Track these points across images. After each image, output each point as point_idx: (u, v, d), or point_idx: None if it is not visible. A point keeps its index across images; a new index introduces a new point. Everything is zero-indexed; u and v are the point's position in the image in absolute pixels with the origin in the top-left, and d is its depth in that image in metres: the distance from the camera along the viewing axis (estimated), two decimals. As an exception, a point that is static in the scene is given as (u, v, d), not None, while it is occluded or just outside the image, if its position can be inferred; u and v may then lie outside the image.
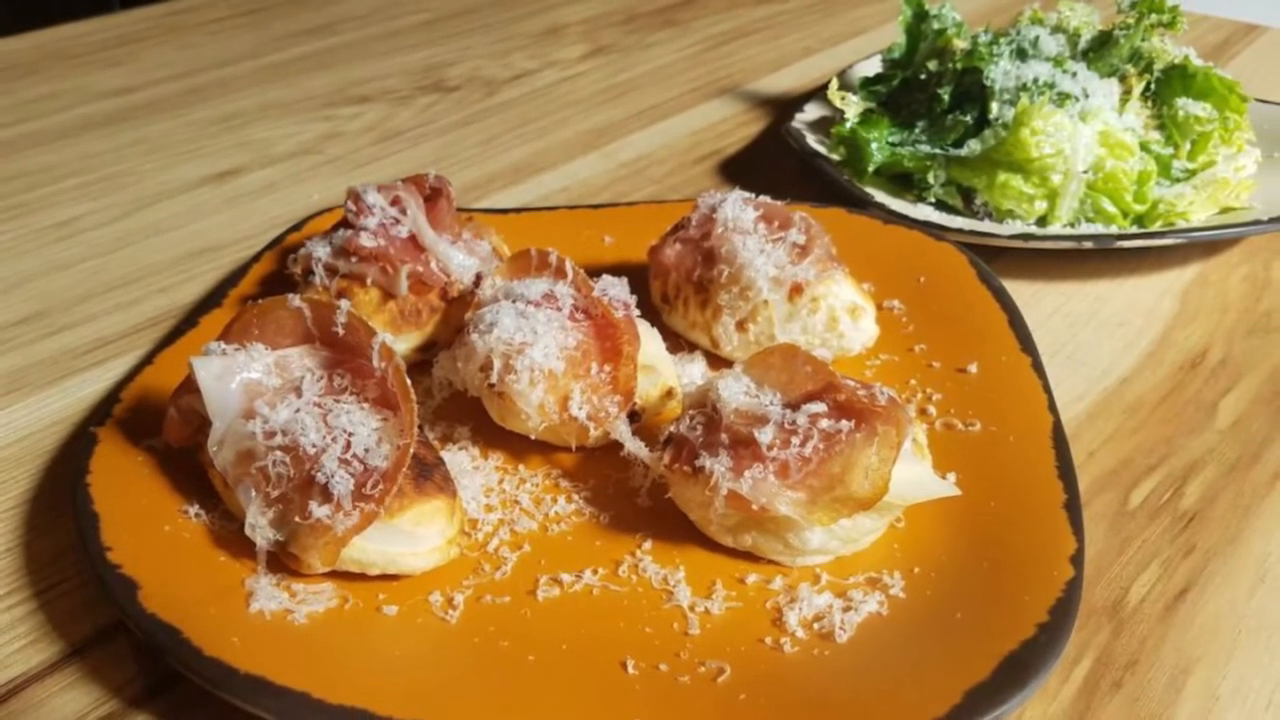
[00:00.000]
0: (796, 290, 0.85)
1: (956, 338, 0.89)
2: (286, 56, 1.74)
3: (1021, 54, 1.17)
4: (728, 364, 0.86)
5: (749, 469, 0.66)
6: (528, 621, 0.66)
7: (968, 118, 1.14)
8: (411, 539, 0.67)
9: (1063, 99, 1.09)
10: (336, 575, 0.68)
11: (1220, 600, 0.69)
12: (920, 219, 1.06)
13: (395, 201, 0.91)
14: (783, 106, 1.48)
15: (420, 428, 0.69)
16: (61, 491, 0.80)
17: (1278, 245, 1.09)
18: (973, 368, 0.85)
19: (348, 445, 0.67)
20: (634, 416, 0.79)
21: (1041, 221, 1.08)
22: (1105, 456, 0.81)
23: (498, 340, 0.76)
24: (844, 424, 0.66)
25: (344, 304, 0.74)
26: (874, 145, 1.16)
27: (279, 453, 0.67)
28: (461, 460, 0.79)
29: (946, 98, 1.17)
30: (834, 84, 1.29)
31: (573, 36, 1.82)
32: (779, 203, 0.93)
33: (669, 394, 0.81)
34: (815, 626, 0.64)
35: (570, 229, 1.07)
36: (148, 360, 0.87)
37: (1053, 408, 0.78)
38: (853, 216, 1.05)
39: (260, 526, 0.67)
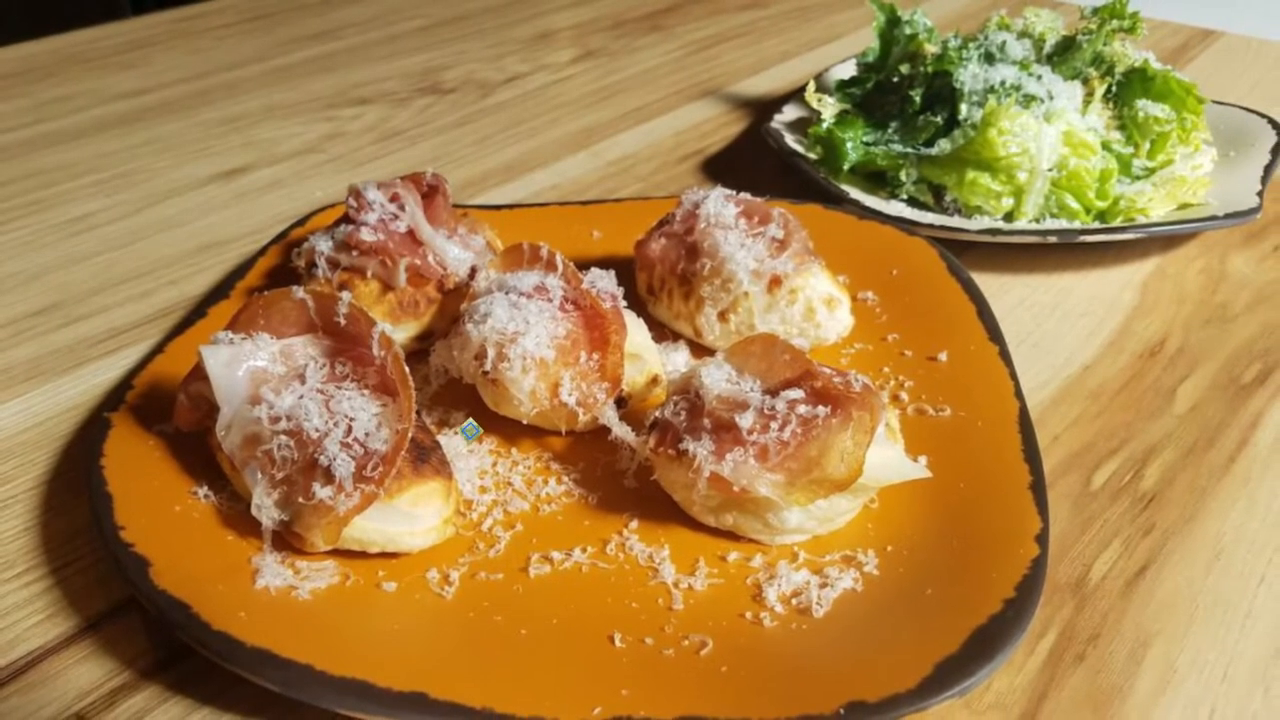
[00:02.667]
0: (775, 282, 0.85)
1: (927, 328, 0.89)
2: (291, 60, 1.73)
3: (989, 58, 1.16)
4: (710, 353, 0.86)
5: (730, 452, 0.66)
6: (520, 597, 0.65)
7: (938, 118, 1.13)
8: (410, 519, 0.67)
9: (1028, 101, 1.09)
10: (338, 553, 0.68)
11: (1178, 577, 0.68)
12: (893, 215, 1.06)
13: (394, 198, 0.90)
14: (762, 108, 1.47)
15: (418, 413, 0.69)
16: (77, 474, 0.79)
17: (1233, 240, 1.09)
18: (943, 356, 0.85)
19: (349, 430, 0.66)
20: (621, 402, 0.78)
21: (1008, 217, 1.08)
22: (1069, 440, 0.81)
23: (491, 330, 0.75)
24: (821, 409, 0.65)
25: (345, 295, 0.74)
26: (849, 144, 1.15)
27: (284, 437, 0.67)
28: (457, 444, 0.78)
29: (918, 99, 1.17)
30: (811, 86, 1.28)
31: (563, 41, 1.80)
32: (759, 199, 0.92)
33: (654, 381, 0.81)
34: (793, 602, 0.64)
35: (560, 224, 1.06)
36: (159, 349, 0.86)
37: (1019, 394, 0.78)
38: (829, 212, 1.05)
39: (266, 507, 0.66)
